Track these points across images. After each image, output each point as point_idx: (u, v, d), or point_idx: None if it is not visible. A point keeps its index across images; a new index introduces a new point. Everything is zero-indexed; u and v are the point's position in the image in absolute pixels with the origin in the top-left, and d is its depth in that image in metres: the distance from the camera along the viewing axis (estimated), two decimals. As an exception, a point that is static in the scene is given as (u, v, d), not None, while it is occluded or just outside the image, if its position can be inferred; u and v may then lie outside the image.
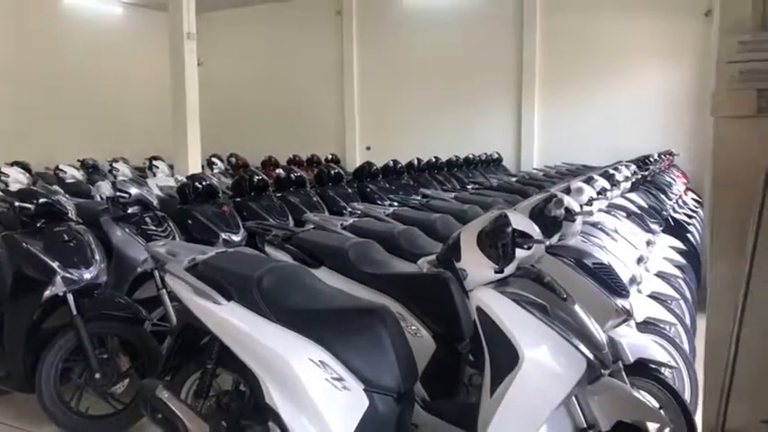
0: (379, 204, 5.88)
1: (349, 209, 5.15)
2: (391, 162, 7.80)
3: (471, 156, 10.08)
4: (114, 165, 8.94)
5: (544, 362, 1.97)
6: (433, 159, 8.90)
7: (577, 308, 2.11)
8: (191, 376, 2.58)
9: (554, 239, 2.82)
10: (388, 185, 7.17)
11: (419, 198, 5.99)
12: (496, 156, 11.00)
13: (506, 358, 1.99)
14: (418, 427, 2.52)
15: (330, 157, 11.80)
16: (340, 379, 2.18)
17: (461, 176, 8.91)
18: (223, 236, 4.58)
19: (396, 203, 5.76)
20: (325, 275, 2.92)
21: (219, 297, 2.32)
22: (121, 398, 3.40)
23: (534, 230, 2.14)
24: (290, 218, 5.43)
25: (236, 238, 4.61)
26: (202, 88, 9.29)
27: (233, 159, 11.20)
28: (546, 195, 2.75)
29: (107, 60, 12.92)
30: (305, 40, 13.44)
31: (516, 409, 1.98)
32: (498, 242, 2.06)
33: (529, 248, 2.09)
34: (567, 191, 3.35)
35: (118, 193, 4.26)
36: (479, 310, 2.06)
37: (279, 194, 5.91)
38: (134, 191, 4.28)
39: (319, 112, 13.36)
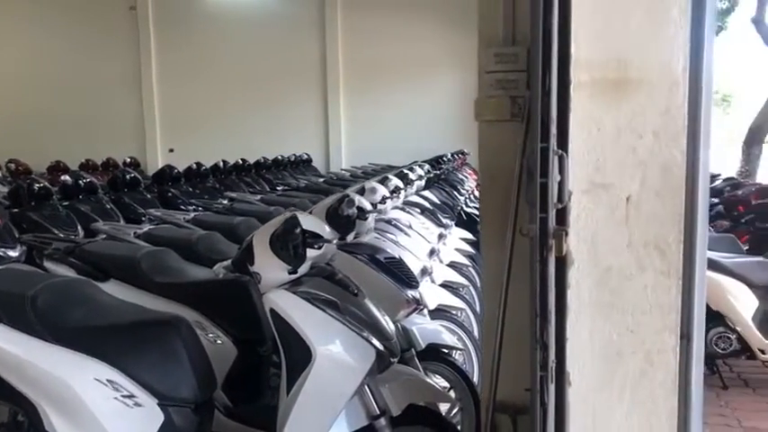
0: (182, 210, 5.65)
1: (148, 216, 4.89)
2: (195, 165, 7.54)
3: (280, 157, 10.07)
4: None
5: (336, 356, 2.05)
6: (241, 161, 8.75)
7: (367, 301, 2.23)
8: (-47, 413, 2.29)
9: (350, 237, 2.94)
10: (191, 189, 6.91)
11: (225, 202, 5.86)
12: (306, 157, 11.12)
13: (300, 356, 2.05)
14: (220, 435, 2.49)
15: (128, 160, 11.06)
16: (131, 396, 2.09)
17: (270, 178, 8.88)
18: (-4, 252, 4.09)
19: (200, 208, 5.58)
20: (114, 288, 2.75)
21: (-16, 321, 2.09)
22: None
23: (324, 230, 2.22)
24: (80, 228, 5.01)
25: (12, 253, 4.13)
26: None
27: (12, 165, 10.01)
28: (339, 196, 2.86)
29: None
30: (96, 35, 12.45)
31: (311, 405, 2.04)
32: (289, 243, 2.11)
33: (319, 248, 2.16)
34: (362, 191, 3.51)
35: None
36: (272, 311, 2.09)
37: (66, 203, 5.41)
38: None
39: (116, 112, 12.47)
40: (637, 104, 1.71)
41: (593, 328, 1.76)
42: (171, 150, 12.08)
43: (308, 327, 2.03)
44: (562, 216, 1.74)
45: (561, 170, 1.69)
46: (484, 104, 2.24)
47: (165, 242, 3.38)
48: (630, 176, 1.72)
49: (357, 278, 2.38)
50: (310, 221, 2.19)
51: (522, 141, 2.15)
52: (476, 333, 3.76)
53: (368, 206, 3.01)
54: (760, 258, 4.43)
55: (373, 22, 11.33)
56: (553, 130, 1.68)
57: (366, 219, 2.97)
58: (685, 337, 1.75)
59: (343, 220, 2.70)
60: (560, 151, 1.67)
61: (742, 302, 4.10)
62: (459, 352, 3.37)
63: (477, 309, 4.25)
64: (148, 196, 6.29)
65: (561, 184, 1.70)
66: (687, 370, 1.75)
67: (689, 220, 1.73)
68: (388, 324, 2.23)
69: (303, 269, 2.18)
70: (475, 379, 3.34)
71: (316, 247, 2.15)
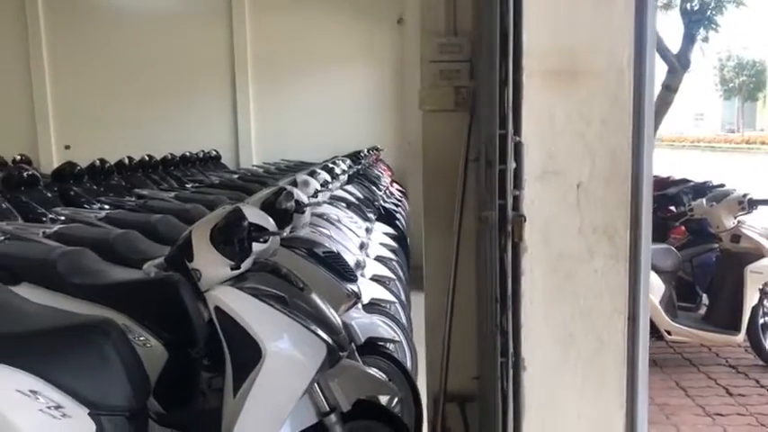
0: (88, 208, 5.28)
1: (50, 215, 4.52)
2: (98, 161, 7.09)
3: (188, 153, 9.70)
4: None
5: (287, 353, 1.98)
6: (147, 158, 8.34)
7: (314, 296, 2.16)
8: None
9: (286, 231, 2.85)
10: (95, 187, 6.50)
11: (134, 199, 5.55)
12: (215, 153, 10.77)
13: (248, 355, 1.95)
14: (155, 443, 2.34)
15: (19, 157, 10.21)
16: (58, 407, 1.93)
17: (179, 175, 8.54)
18: None
19: (108, 206, 5.25)
20: (28, 292, 2.51)
21: None
22: None
23: (270, 223, 2.13)
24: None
25: None
26: None
27: None
28: (276, 189, 2.77)
29: None
30: (-25, 21, 11.43)
31: (262, 405, 1.95)
32: (234, 237, 2.01)
33: (265, 242, 2.08)
34: (294, 184, 3.42)
35: None
36: (218, 309, 1.98)
37: (-48, 203, 4.91)
38: None
39: (1, 105, 11.49)
40: (586, 93, 1.75)
41: (547, 313, 1.80)
42: (67, 147, 11.27)
43: (256, 324, 1.94)
44: (516, 203, 1.76)
45: (517, 157, 1.71)
46: (428, 94, 2.24)
47: (79, 242, 3.14)
48: (580, 163, 1.77)
49: (298, 273, 2.31)
50: (255, 214, 2.10)
51: (466, 130, 2.16)
52: (405, 324, 3.78)
53: (305, 199, 2.93)
54: (665, 245, 4.73)
55: (283, 13, 11.11)
56: (510, 118, 1.70)
57: (303, 212, 2.90)
58: (632, 318, 1.82)
59: (280, 214, 2.60)
60: (518, 138, 1.69)
61: (651, 287, 4.35)
62: (393, 344, 3.36)
63: (404, 301, 4.27)
64: (49, 195, 5.84)
65: (517, 172, 1.72)
66: (634, 350, 1.82)
67: (634, 206, 1.80)
68: (335, 318, 2.18)
69: (247, 264, 2.08)
70: (408, 368, 3.34)
71: (261, 240, 2.06)
